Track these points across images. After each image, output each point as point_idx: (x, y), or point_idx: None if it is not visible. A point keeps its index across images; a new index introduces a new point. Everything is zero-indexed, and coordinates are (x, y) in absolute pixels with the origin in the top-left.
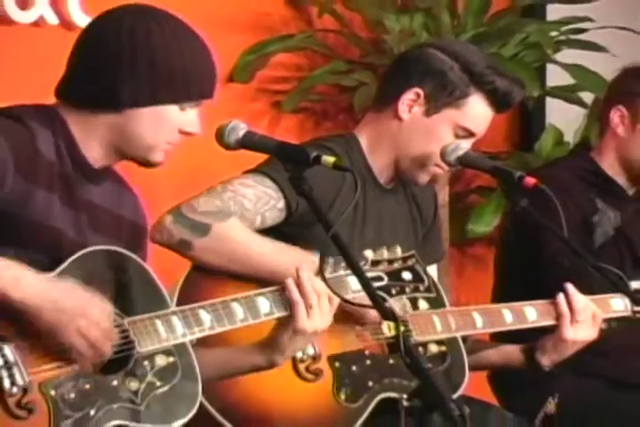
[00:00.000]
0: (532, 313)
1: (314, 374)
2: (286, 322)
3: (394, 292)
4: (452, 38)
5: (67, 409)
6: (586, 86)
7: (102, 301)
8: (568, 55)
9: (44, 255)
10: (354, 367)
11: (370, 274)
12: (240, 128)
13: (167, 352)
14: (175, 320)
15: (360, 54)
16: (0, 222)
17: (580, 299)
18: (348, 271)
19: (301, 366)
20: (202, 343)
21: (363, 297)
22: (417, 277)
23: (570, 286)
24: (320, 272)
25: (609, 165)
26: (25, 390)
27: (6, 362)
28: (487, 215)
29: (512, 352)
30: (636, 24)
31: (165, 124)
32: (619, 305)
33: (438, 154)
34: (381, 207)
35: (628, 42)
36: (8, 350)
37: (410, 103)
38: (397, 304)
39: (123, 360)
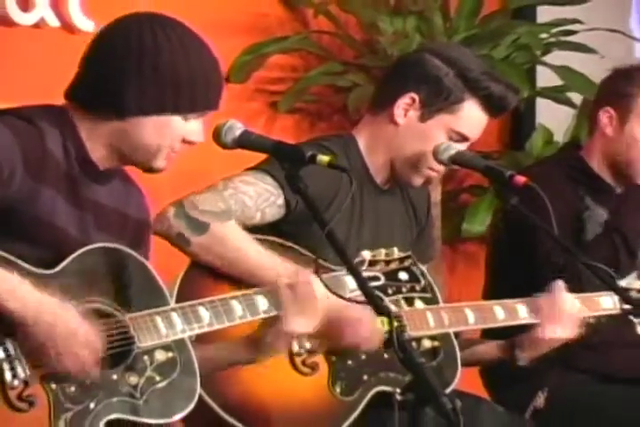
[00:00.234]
0: (523, 310)
1: (310, 368)
2: (273, 322)
3: (390, 291)
4: (445, 40)
5: (67, 402)
6: (574, 87)
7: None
8: (558, 57)
9: (48, 252)
10: (349, 361)
11: (367, 274)
12: (237, 128)
13: (166, 348)
14: (175, 317)
15: (354, 56)
16: (7, 219)
17: (562, 299)
18: (345, 271)
19: (298, 360)
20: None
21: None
22: (413, 278)
23: (557, 285)
24: (315, 273)
25: (597, 163)
26: (26, 383)
27: (8, 355)
28: (481, 214)
29: (492, 348)
30: (625, 26)
31: (169, 134)
32: (608, 303)
33: (432, 157)
34: (378, 207)
35: (617, 44)
36: (10, 344)
37: (405, 108)
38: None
39: (123, 355)
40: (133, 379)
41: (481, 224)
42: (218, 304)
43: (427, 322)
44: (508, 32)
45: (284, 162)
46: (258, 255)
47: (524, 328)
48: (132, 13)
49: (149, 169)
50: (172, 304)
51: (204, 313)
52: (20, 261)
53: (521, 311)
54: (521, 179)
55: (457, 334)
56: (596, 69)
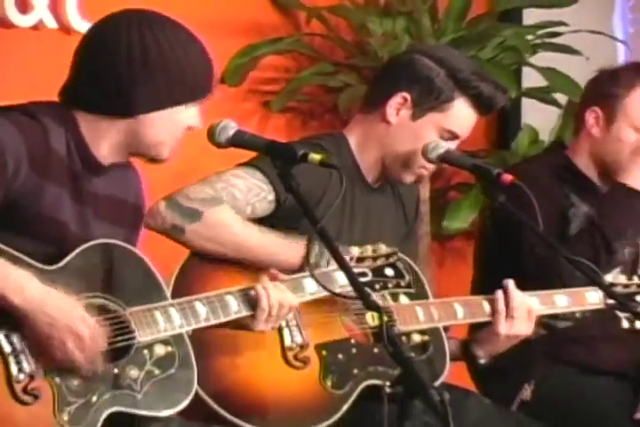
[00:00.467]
0: None
1: (302, 362)
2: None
3: (377, 287)
4: (433, 42)
5: (70, 396)
6: (558, 88)
7: (93, 320)
8: (543, 58)
9: (51, 248)
10: (340, 356)
11: (355, 270)
12: (230, 127)
13: (165, 342)
14: (173, 312)
15: (345, 57)
16: (11, 214)
17: (517, 296)
18: (335, 267)
19: (290, 355)
20: None
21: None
22: (398, 274)
23: (510, 283)
24: (309, 269)
25: (582, 162)
26: (31, 377)
27: (14, 349)
28: (463, 212)
29: (453, 344)
30: (609, 28)
31: (176, 125)
32: (594, 298)
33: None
34: (369, 204)
35: (601, 45)
36: (16, 338)
37: (397, 107)
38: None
39: (124, 349)
40: (134, 373)
41: (462, 221)
42: (214, 300)
43: (416, 317)
44: (495, 34)
45: (276, 160)
46: (256, 235)
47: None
48: (122, 12)
49: (155, 160)
50: (170, 299)
51: (201, 308)
52: (24, 257)
53: None
54: (508, 177)
55: (446, 328)
56: (580, 70)
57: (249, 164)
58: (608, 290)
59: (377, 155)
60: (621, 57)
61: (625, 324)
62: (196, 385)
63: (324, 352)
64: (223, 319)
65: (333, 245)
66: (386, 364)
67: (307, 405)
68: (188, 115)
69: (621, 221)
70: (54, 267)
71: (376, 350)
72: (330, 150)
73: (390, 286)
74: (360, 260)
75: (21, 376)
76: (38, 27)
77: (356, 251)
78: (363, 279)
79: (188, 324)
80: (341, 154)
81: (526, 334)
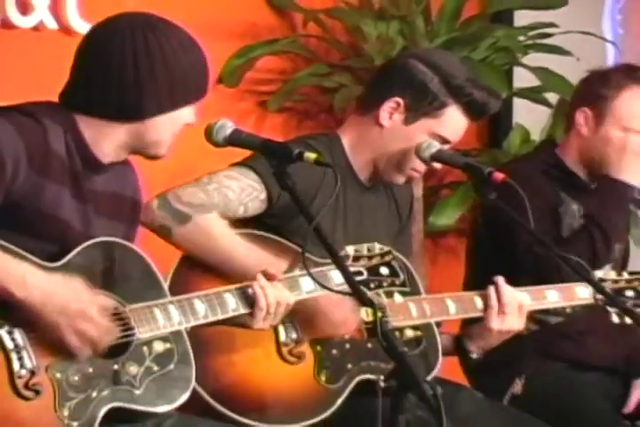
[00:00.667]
0: None
1: (296, 358)
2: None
3: (372, 286)
4: (426, 43)
5: (70, 391)
6: (551, 88)
7: (104, 300)
8: (534, 58)
9: (53, 246)
10: (334, 351)
11: (351, 269)
12: (228, 126)
13: (164, 339)
14: (172, 309)
15: (340, 58)
16: (13, 213)
17: (507, 292)
18: (331, 266)
19: (285, 350)
20: None
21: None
22: (393, 272)
23: (500, 279)
24: (306, 268)
25: (572, 161)
26: (33, 373)
27: (16, 346)
28: (450, 208)
29: (446, 339)
30: (598, 29)
31: (176, 123)
32: (584, 293)
33: (415, 158)
34: (362, 203)
35: (591, 46)
36: (18, 334)
37: (391, 111)
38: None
39: (123, 346)
40: (133, 369)
41: (448, 218)
42: (212, 297)
43: (409, 312)
44: (487, 35)
45: (272, 159)
46: (236, 245)
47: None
48: (120, 16)
49: (155, 157)
50: (169, 297)
51: (200, 306)
52: (27, 254)
53: None
54: (499, 175)
55: (439, 324)
56: (571, 70)
57: (242, 163)
58: (597, 286)
59: (369, 156)
60: (611, 57)
61: (615, 318)
62: (194, 381)
63: (318, 348)
64: (221, 317)
65: (328, 243)
66: (379, 359)
67: (302, 399)
68: (186, 113)
69: (616, 219)
70: (56, 264)
71: (370, 345)
72: (321, 150)
73: (385, 284)
74: (356, 259)
75: (23, 372)
76: (39, 27)
77: (351, 250)
78: (358, 278)
79: (187, 321)
80: (334, 153)
81: (518, 329)
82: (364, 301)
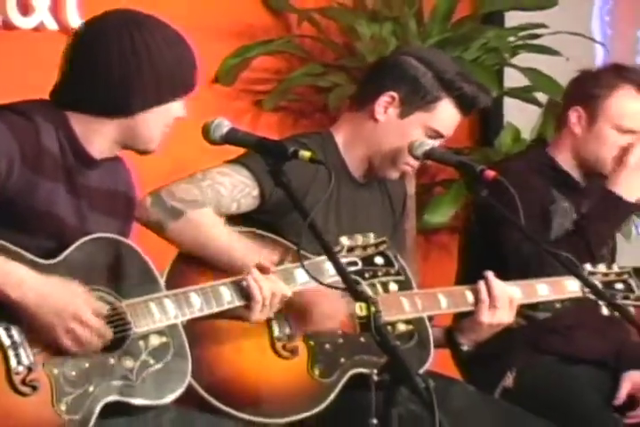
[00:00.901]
0: None
1: (290, 352)
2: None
3: (367, 275)
4: (419, 44)
5: (67, 386)
6: (540, 88)
7: (99, 303)
8: (525, 58)
9: (49, 242)
10: (327, 345)
11: (346, 259)
12: (224, 125)
13: (160, 333)
14: (168, 303)
15: (334, 58)
16: (8, 211)
17: (498, 286)
18: (324, 257)
19: (278, 345)
20: None
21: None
22: (388, 262)
23: (490, 274)
24: (299, 260)
25: (564, 159)
26: (30, 369)
27: (13, 342)
28: (444, 206)
29: (438, 332)
30: (587, 30)
31: (166, 117)
32: (573, 286)
33: (408, 153)
34: (355, 200)
35: (580, 46)
36: (15, 331)
37: (386, 105)
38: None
39: (120, 340)
40: (129, 363)
41: (442, 216)
42: (208, 291)
43: (402, 307)
44: (478, 36)
45: (268, 157)
46: (230, 240)
47: None
48: (109, 13)
49: (146, 152)
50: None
51: (196, 299)
52: (23, 252)
53: None
54: (491, 173)
55: (430, 318)
56: (560, 70)
57: (235, 161)
58: (586, 281)
59: (364, 152)
60: (599, 58)
61: (605, 311)
62: (190, 374)
63: (311, 342)
64: (216, 309)
65: (323, 239)
66: (372, 352)
67: (296, 393)
68: (175, 107)
69: (605, 229)
70: (53, 261)
71: (362, 339)
72: (314, 149)
73: (380, 274)
74: (350, 249)
75: (20, 368)
76: (39, 28)
77: (345, 240)
78: (353, 268)
79: (183, 314)
80: (327, 151)
81: (508, 322)
82: (357, 296)
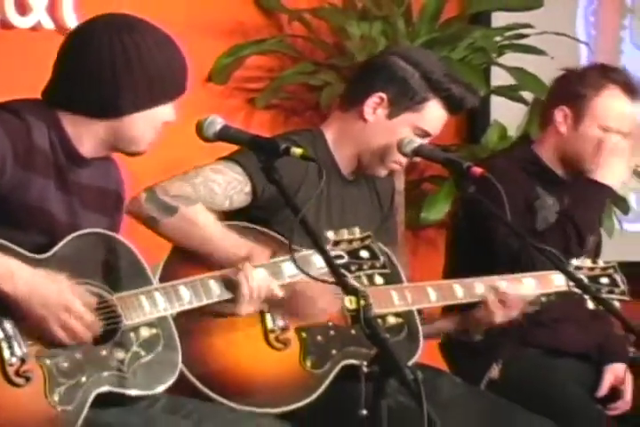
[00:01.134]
0: (480, 288)
1: (282, 344)
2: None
3: (353, 269)
4: (408, 43)
5: (60, 377)
6: (526, 86)
7: (87, 294)
8: (511, 58)
9: (41, 238)
10: (319, 337)
11: (332, 253)
12: (217, 122)
13: (150, 325)
14: (157, 296)
15: (325, 57)
16: (1, 207)
17: (510, 295)
18: (313, 251)
19: (271, 336)
20: None
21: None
22: (373, 256)
23: (501, 285)
24: (290, 253)
25: (548, 157)
26: (23, 360)
27: (6, 335)
28: (439, 203)
29: (451, 322)
30: (572, 30)
31: (155, 121)
32: (559, 281)
33: (397, 151)
34: (344, 196)
35: (565, 46)
36: (7, 324)
37: (374, 106)
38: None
39: (111, 332)
40: (120, 354)
41: (438, 213)
42: (197, 284)
43: (391, 300)
44: (465, 36)
45: (260, 154)
46: (222, 235)
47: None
48: (100, 17)
49: (135, 154)
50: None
51: (185, 292)
52: (14, 246)
53: (478, 289)
54: (477, 170)
55: (420, 311)
56: (545, 70)
57: (228, 158)
58: (571, 276)
59: (353, 150)
60: (584, 58)
61: (590, 305)
62: (180, 364)
63: (303, 334)
64: (205, 302)
65: (314, 234)
66: (362, 344)
67: (288, 384)
68: (164, 111)
69: (589, 214)
70: (44, 256)
71: (353, 331)
72: (304, 145)
73: (365, 267)
74: (336, 243)
75: (13, 360)
76: (36, 28)
77: (331, 235)
78: (339, 261)
79: (172, 307)
80: (317, 149)
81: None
82: (347, 289)
